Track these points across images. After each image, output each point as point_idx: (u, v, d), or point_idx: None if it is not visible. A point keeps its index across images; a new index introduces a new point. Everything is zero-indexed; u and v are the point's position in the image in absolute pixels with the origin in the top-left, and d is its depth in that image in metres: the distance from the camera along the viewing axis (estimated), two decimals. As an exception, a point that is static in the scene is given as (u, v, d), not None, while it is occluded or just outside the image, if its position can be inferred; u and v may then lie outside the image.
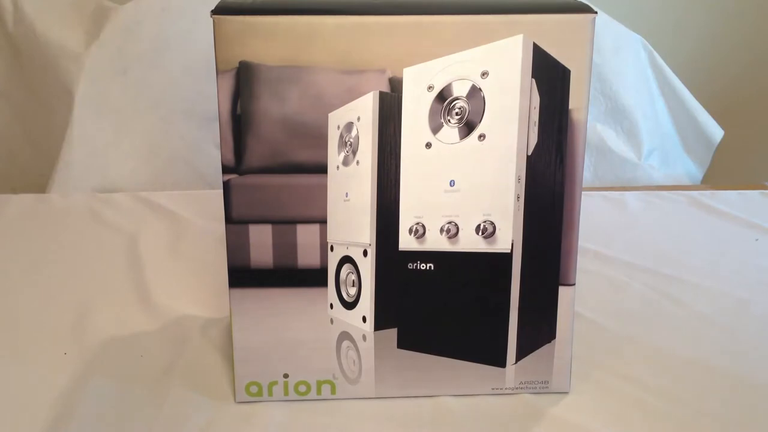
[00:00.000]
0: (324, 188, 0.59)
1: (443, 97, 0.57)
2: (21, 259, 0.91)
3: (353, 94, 0.57)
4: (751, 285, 0.84)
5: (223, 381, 0.66)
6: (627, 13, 1.38)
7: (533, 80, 0.57)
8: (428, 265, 0.60)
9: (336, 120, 0.58)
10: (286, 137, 0.58)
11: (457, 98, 0.57)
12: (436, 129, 0.58)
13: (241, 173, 0.59)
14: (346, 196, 0.60)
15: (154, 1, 1.21)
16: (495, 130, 0.57)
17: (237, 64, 0.56)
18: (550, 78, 0.57)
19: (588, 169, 1.27)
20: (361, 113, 0.58)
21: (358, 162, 0.59)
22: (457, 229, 0.59)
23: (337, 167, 0.59)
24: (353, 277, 0.61)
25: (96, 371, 0.67)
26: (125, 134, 1.18)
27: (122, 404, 0.63)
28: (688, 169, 1.39)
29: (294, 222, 0.60)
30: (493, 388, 0.64)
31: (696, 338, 0.73)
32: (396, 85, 0.57)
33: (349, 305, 0.62)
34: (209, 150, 1.18)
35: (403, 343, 0.62)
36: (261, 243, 0.60)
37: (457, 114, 0.58)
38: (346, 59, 0.56)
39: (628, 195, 1.13)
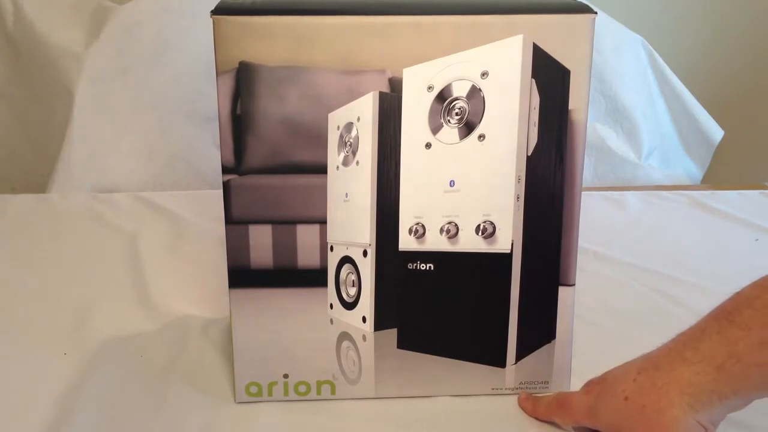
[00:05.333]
0: (324, 188, 0.59)
1: (443, 97, 0.57)
2: (21, 259, 0.91)
3: (353, 94, 0.57)
4: (751, 285, 0.84)
5: (223, 381, 0.66)
6: (627, 13, 1.38)
7: (533, 80, 0.57)
8: (428, 265, 0.60)
9: (336, 120, 0.58)
10: (286, 137, 0.58)
11: (456, 98, 0.57)
12: (436, 129, 0.58)
13: (241, 173, 0.59)
14: (346, 196, 0.60)
15: (154, 1, 1.21)
16: (495, 131, 0.57)
17: (237, 65, 0.56)
18: (549, 78, 0.57)
19: (588, 169, 1.27)
20: (361, 113, 0.58)
21: (358, 162, 0.59)
22: (457, 229, 0.59)
23: (337, 167, 0.59)
24: (353, 277, 0.61)
25: (96, 371, 0.67)
26: (125, 134, 1.18)
27: (122, 404, 0.63)
28: (688, 169, 1.39)
29: (294, 222, 0.60)
30: (493, 388, 0.64)
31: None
32: (396, 85, 0.57)
33: (349, 305, 0.62)
34: (209, 150, 1.18)
35: (403, 343, 0.62)
36: (261, 243, 0.60)
37: (457, 114, 0.58)
38: (346, 59, 0.56)
39: (628, 195, 1.13)
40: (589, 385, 0.58)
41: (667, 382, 0.52)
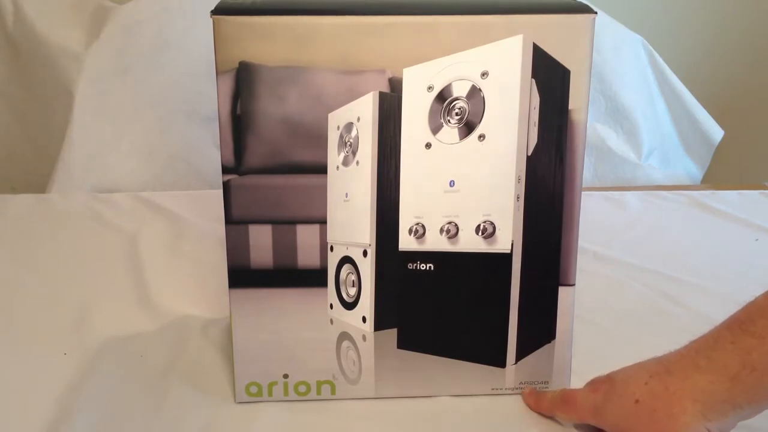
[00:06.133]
0: (324, 188, 0.59)
1: (443, 97, 0.57)
2: (21, 259, 0.91)
3: (353, 94, 0.57)
4: (751, 285, 0.84)
5: (223, 381, 0.66)
6: (627, 13, 1.37)
7: (533, 80, 0.57)
8: (428, 265, 0.60)
9: (336, 120, 0.58)
10: (286, 137, 0.58)
11: (456, 98, 0.57)
12: (436, 129, 0.58)
13: (241, 173, 0.59)
14: (346, 196, 0.60)
15: (154, 1, 1.21)
16: (495, 131, 0.57)
17: (237, 65, 0.56)
18: (549, 78, 0.57)
19: (588, 169, 1.27)
20: (361, 113, 0.58)
21: (358, 162, 0.59)
22: (457, 229, 0.59)
23: (337, 167, 0.59)
24: (353, 277, 0.61)
25: (96, 371, 0.67)
26: (125, 134, 1.18)
27: (122, 404, 0.63)
28: (688, 169, 1.39)
29: (294, 222, 0.60)
30: (493, 388, 0.64)
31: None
32: (396, 85, 0.57)
33: (349, 305, 0.62)
34: (209, 150, 1.18)
35: (403, 343, 0.62)
36: (261, 243, 0.60)
37: (457, 114, 0.58)
38: (346, 59, 0.56)
39: (628, 195, 1.13)
40: (595, 384, 0.58)
41: (681, 388, 0.52)
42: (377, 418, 0.62)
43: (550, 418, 0.61)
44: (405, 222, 0.60)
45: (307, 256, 0.60)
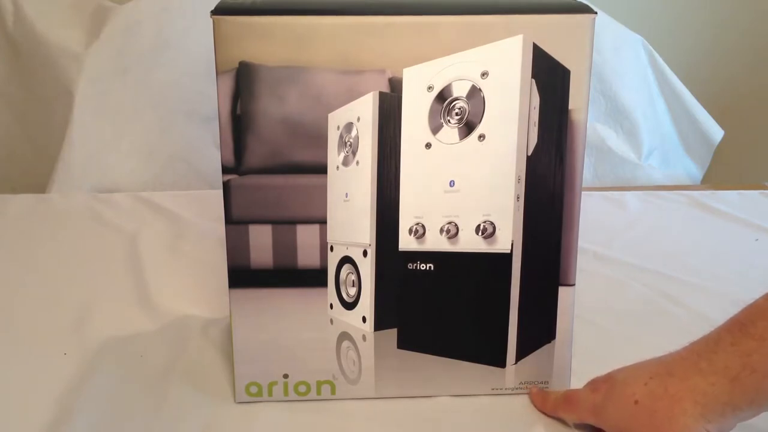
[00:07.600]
0: (324, 188, 0.59)
1: (443, 97, 0.57)
2: (21, 259, 0.91)
3: (353, 94, 0.57)
4: (751, 285, 0.84)
5: (223, 381, 0.66)
6: (627, 13, 1.38)
7: (533, 80, 0.57)
8: (428, 265, 0.60)
9: (336, 120, 0.58)
10: (286, 137, 0.58)
11: (456, 98, 0.57)
12: (436, 129, 0.58)
13: (241, 173, 0.59)
14: (346, 196, 0.60)
15: (154, 1, 1.21)
16: (495, 131, 0.57)
17: (237, 65, 0.56)
18: (549, 78, 0.57)
19: (588, 169, 1.27)
20: (361, 113, 0.58)
21: (358, 162, 0.59)
22: (457, 229, 0.59)
23: (337, 167, 0.59)
24: (353, 277, 0.61)
25: (96, 371, 0.67)
26: (125, 134, 1.18)
27: (122, 404, 0.63)
28: (688, 169, 1.39)
29: (294, 222, 0.60)
30: (493, 388, 0.64)
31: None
32: (396, 85, 0.57)
33: (349, 305, 0.62)
34: (209, 150, 1.18)
35: (403, 343, 0.62)
36: (261, 243, 0.60)
37: (456, 114, 0.58)
38: (346, 59, 0.56)
39: (628, 195, 1.13)
40: (596, 384, 0.58)
41: (681, 389, 0.52)
42: (377, 418, 0.62)
43: (554, 418, 0.61)
44: (405, 222, 0.60)
45: (307, 256, 0.60)
